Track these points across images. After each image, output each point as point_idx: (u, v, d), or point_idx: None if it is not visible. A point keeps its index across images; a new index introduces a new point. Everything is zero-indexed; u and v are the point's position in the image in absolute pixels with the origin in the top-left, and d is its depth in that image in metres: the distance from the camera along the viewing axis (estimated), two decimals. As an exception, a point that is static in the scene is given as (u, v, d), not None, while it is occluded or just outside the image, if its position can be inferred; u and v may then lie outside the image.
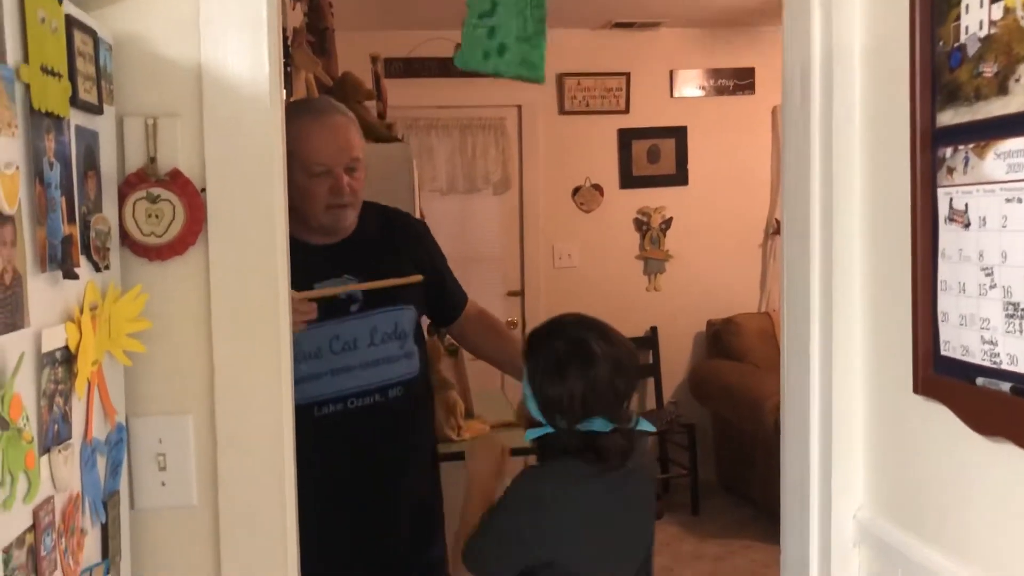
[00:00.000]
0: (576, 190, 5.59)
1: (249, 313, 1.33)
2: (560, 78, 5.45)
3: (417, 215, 3.29)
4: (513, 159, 5.58)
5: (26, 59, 0.96)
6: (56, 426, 1.02)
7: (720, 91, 5.61)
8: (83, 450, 1.11)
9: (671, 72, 5.55)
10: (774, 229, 5.53)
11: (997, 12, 1.00)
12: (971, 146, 1.06)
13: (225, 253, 1.33)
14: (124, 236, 1.30)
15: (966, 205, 1.07)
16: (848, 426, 1.36)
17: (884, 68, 1.27)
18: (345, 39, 3.75)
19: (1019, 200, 0.97)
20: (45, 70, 0.99)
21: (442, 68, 5.24)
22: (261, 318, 1.34)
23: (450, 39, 5.47)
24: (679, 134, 5.52)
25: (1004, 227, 1.00)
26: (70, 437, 1.06)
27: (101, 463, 1.18)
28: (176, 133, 1.32)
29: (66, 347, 1.04)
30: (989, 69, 1.02)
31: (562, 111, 5.54)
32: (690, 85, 5.60)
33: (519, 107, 5.53)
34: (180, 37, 1.32)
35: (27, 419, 0.94)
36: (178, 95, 1.32)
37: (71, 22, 1.08)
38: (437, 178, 5.52)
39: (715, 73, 5.60)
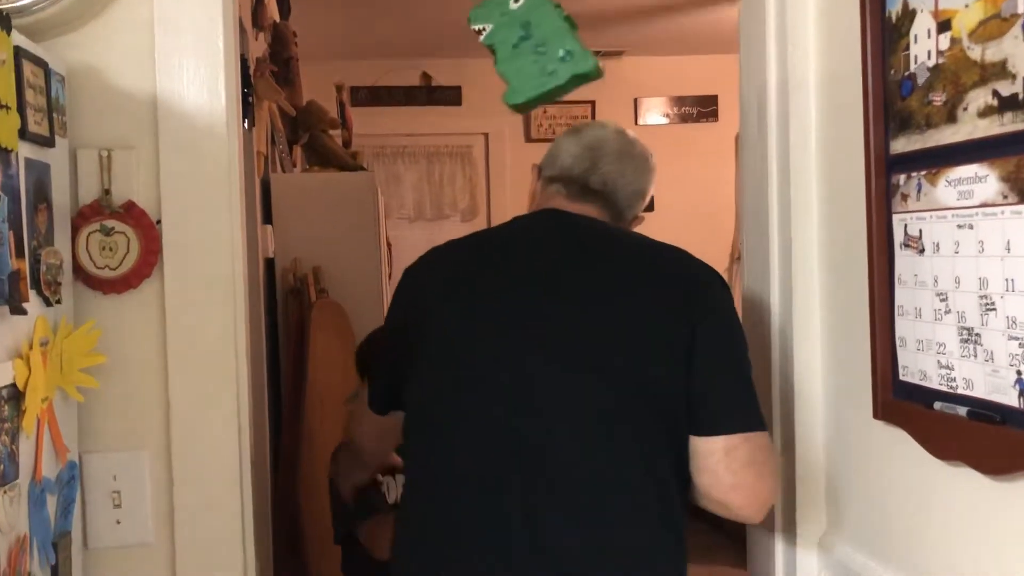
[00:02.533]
0: (543, 217, 5.60)
1: (205, 346, 1.31)
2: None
3: (383, 243, 3.28)
4: (480, 186, 5.60)
5: (-28, 91, 0.94)
6: (1, 466, 0.99)
7: (684, 118, 5.68)
8: (31, 490, 1.08)
9: (635, 100, 5.61)
10: (738, 255, 5.57)
11: (944, 42, 1.01)
12: (923, 173, 1.07)
13: (181, 285, 1.31)
14: (77, 269, 1.28)
15: (920, 231, 1.08)
16: (810, 452, 1.37)
17: (838, 97, 1.29)
18: (310, 68, 3.74)
19: (970, 226, 0.99)
20: (-8, 102, 0.97)
21: (408, 96, 5.26)
22: (217, 351, 1.32)
23: (415, 67, 5.48)
24: (644, 161, 5.56)
25: (956, 252, 1.01)
26: (17, 477, 1.03)
27: (51, 502, 1.15)
28: (131, 165, 1.30)
29: (13, 384, 1.02)
30: (938, 98, 1.03)
31: (528, 139, 5.58)
32: (654, 113, 5.66)
33: (486, 135, 5.56)
34: (135, 68, 1.31)
35: (-29, 459, 0.91)
36: (133, 127, 1.31)
37: (20, 53, 1.07)
38: (404, 206, 5.52)
39: (679, 101, 5.67)
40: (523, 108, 1.44)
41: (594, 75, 1.38)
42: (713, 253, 5.78)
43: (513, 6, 1.39)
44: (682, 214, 5.64)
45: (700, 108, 5.70)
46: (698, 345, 1.23)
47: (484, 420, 1.24)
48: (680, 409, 1.22)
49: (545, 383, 1.23)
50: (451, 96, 5.37)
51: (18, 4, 1.19)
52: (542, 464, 1.21)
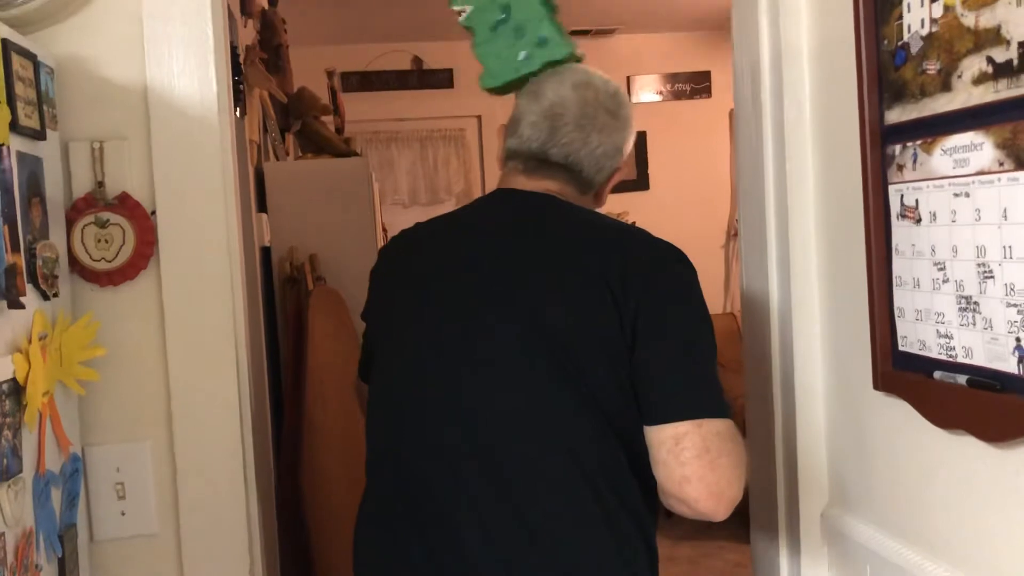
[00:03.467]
0: (539, 197, 5.59)
1: (204, 335, 1.31)
2: (518, 87, 5.46)
3: (379, 229, 3.28)
4: (475, 169, 5.58)
5: (-39, 85, 0.94)
6: (5, 460, 0.99)
7: (677, 95, 5.66)
8: (36, 483, 1.08)
9: (628, 78, 5.59)
10: (735, 231, 5.57)
11: (937, 10, 1.01)
12: (919, 142, 1.07)
13: (178, 275, 1.30)
14: (73, 262, 1.27)
15: (916, 201, 1.08)
16: (811, 425, 1.37)
17: (832, 68, 1.29)
18: (300, 54, 3.72)
19: (966, 195, 0.99)
20: (-18, 96, 0.97)
21: (400, 81, 5.23)
22: (216, 340, 1.32)
23: (406, 51, 5.44)
24: (638, 139, 5.54)
25: (953, 222, 1.01)
26: (21, 471, 1.03)
27: (56, 496, 1.15)
28: (124, 156, 1.30)
29: (14, 379, 1.02)
30: (932, 67, 1.03)
31: (522, 120, 5.55)
32: (647, 90, 5.63)
33: (479, 117, 5.53)
34: (124, 58, 1.30)
35: (-26, 455, 0.91)
36: (124, 117, 1.30)
37: (8, 46, 1.06)
38: (399, 191, 5.51)
39: (672, 78, 5.64)
40: (501, 91, 1.42)
41: (572, 62, 1.36)
42: (709, 229, 5.83)
43: None
44: (677, 191, 5.64)
45: (693, 84, 5.68)
46: (641, 328, 1.13)
47: (419, 412, 1.20)
48: (627, 399, 1.14)
49: (476, 376, 1.17)
50: (443, 79, 5.35)
51: (4, -4, 1.18)
52: (475, 462, 1.15)
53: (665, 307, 1.16)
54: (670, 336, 1.15)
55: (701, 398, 1.13)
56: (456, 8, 1.41)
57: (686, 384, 1.14)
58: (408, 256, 1.33)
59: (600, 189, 1.35)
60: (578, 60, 1.37)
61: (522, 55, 1.36)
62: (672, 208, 5.64)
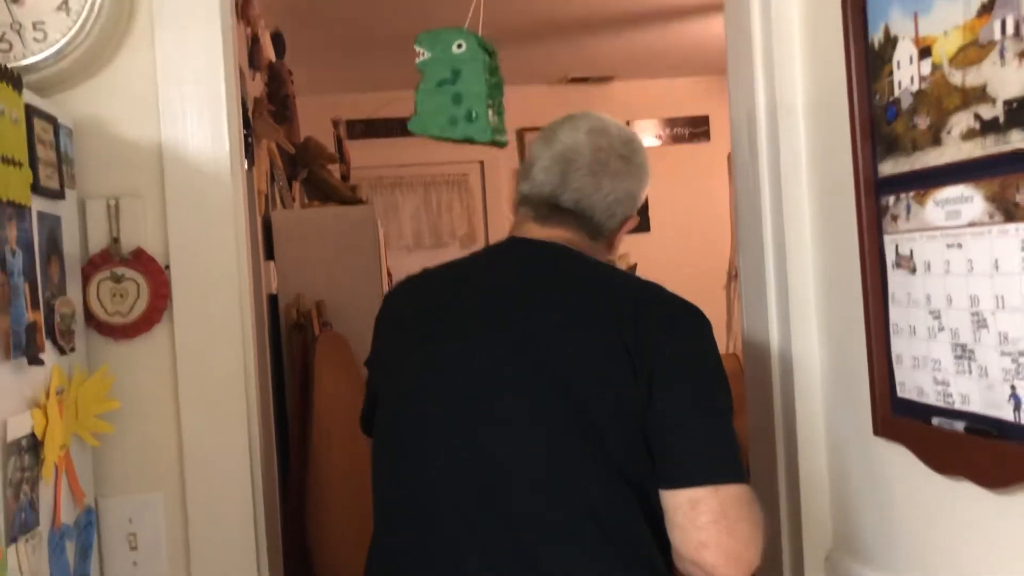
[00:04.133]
0: (542, 241, 5.63)
1: (216, 387, 1.34)
2: (520, 133, 5.53)
3: (384, 274, 3.31)
4: (478, 213, 5.63)
5: (-13, 151, 0.97)
6: (23, 515, 1.01)
7: (676, 139, 5.73)
8: (51, 537, 1.10)
9: (628, 123, 5.66)
10: (735, 272, 5.60)
11: (926, 68, 1.05)
12: (912, 194, 1.10)
13: (191, 329, 1.33)
14: (89, 317, 1.30)
15: (911, 251, 1.11)
16: (814, 470, 1.39)
17: (826, 120, 1.32)
18: (305, 103, 3.79)
19: (959, 245, 1.01)
20: (6, 160, 1.00)
21: (403, 128, 5.28)
22: (228, 392, 1.34)
23: (410, 99, 5.48)
24: (639, 182, 5.60)
25: (947, 272, 1.04)
26: (38, 524, 1.05)
27: (70, 548, 1.17)
28: (139, 213, 1.33)
29: (32, 434, 1.04)
30: (923, 122, 1.06)
31: (524, 164, 5.62)
32: (647, 134, 5.70)
33: (481, 163, 5.60)
34: (140, 118, 1.34)
35: (-6, 510, 0.93)
36: (140, 175, 1.34)
37: (31, 111, 1.10)
38: (403, 235, 5.56)
39: (670, 122, 5.72)
40: (423, 135, 1.53)
41: (493, 144, 1.50)
42: (711, 270, 5.85)
43: (455, 50, 1.49)
44: (678, 233, 5.68)
45: (692, 128, 5.75)
46: (657, 387, 1.12)
47: (431, 466, 1.17)
48: (643, 455, 1.12)
49: (492, 431, 1.15)
50: (445, 125, 5.42)
51: (27, 62, 1.23)
52: (491, 515, 1.13)
53: (680, 366, 1.14)
54: (685, 395, 1.13)
55: (718, 462, 1.11)
56: (417, 49, 1.50)
57: (702, 447, 1.11)
58: (416, 305, 1.30)
59: (612, 236, 1.35)
60: (500, 145, 1.50)
61: (450, 121, 1.47)
62: (673, 250, 5.68)
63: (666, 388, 1.12)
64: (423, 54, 1.50)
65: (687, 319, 1.19)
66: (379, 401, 1.28)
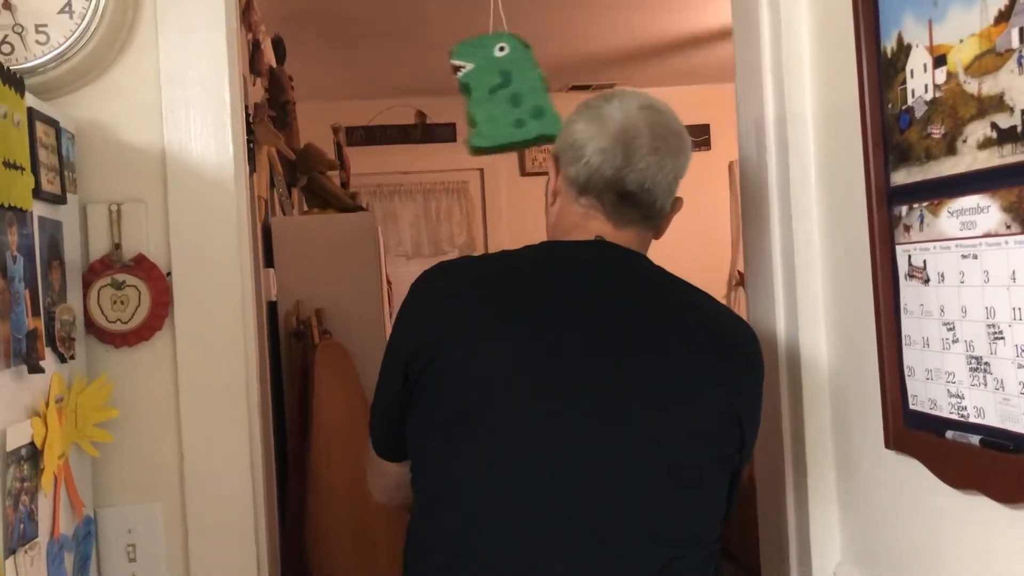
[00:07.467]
0: (541, 249, 5.62)
1: (217, 396, 1.32)
2: (520, 141, 5.53)
3: (384, 281, 3.29)
4: (477, 221, 5.63)
5: (-12, 155, 0.96)
6: (22, 525, 0.99)
7: (677, 147, 5.74)
8: (50, 547, 1.08)
9: (628, 130, 5.66)
10: (736, 280, 5.59)
11: (940, 76, 1.04)
12: (925, 204, 1.09)
13: (192, 336, 1.31)
14: (89, 324, 1.29)
15: (924, 262, 1.09)
16: (823, 482, 1.37)
17: (837, 129, 1.31)
18: (305, 109, 3.78)
19: (974, 256, 1.00)
20: (8, 164, 0.99)
21: (403, 135, 5.30)
22: (229, 400, 1.32)
23: (410, 106, 5.50)
24: (639, 191, 5.59)
25: (962, 283, 1.02)
26: (37, 535, 1.03)
27: (69, 559, 1.15)
28: (141, 218, 1.32)
29: (31, 443, 1.02)
30: (937, 131, 1.05)
31: (524, 173, 5.61)
32: (647, 142, 5.71)
33: (481, 171, 5.60)
34: (143, 123, 1.33)
35: (-8, 520, 0.91)
36: (142, 180, 1.32)
37: (33, 115, 1.08)
38: (402, 243, 5.54)
39: (671, 130, 5.73)
40: (483, 152, 1.47)
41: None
42: (710, 280, 5.82)
43: (497, 54, 1.44)
44: (679, 242, 5.65)
45: (693, 137, 5.71)
46: (747, 445, 1.21)
47: (518, 487, 1.09)
48: (722, 493, 1.20)
49: (600, 479, 1.09)
50: (446, 133, 5.42)
51: (29, 65, 1.21)
52: (577, 548, 1.08)
53: (757, 425, 1.24)
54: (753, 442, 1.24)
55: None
56: (456, 63, 1.46)
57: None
58: (499, 299, 1.16)
59: (665, 223, 1.31)
60: None
61: (516, 123, 1.42)
62: (674, 258, 5.61)
63: (752, 444, 1.23)
64: (464, 67, 1.44)
65: (760, 367, 1.25)
66: (445, 393, 1.12)
